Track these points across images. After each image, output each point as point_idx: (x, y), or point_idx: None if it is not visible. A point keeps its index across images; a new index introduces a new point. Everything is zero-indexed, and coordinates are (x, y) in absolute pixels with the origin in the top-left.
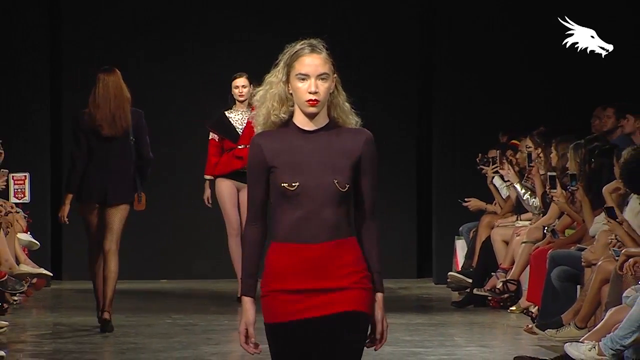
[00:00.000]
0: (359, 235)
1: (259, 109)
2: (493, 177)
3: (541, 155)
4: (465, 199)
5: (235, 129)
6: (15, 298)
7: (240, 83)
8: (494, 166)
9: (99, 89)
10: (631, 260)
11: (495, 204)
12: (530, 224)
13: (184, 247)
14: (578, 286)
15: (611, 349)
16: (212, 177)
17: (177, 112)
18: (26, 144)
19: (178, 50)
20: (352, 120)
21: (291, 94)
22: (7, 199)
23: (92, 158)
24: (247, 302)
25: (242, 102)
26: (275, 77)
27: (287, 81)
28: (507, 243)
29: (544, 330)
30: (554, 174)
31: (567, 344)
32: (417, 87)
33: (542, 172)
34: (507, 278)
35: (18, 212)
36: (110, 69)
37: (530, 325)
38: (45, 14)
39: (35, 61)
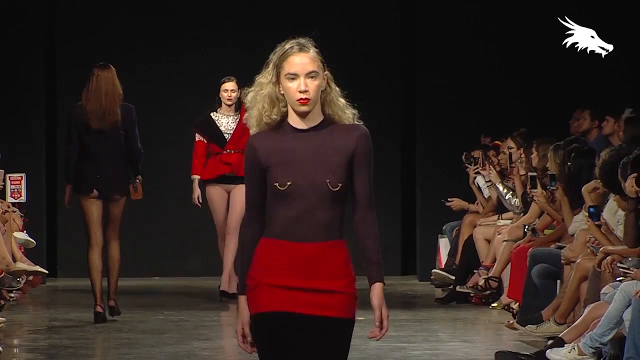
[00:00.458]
0: (357, 228)
1: (251, 111)
2: (475, 177)
3: (522, 156)
4: (448, 199)
5: (222, 132)
6: (12, 295)
7: (230, 87)
8: (475, 167)
9: (92, 84)
10: (609, 258)
11: (477, 203)
12: (511, 223)
13: (176, 245)
14: (558, 283)
15: (591, 347)
16: (199, 177)
17: (169, 112)
18: (22, 145)
19: (173, 53)
20: (349, 114)
21: (282, 94)
22: (4, 198)
23: (85, 151)
24: (243, 301)
25: (229, 106)
26: (265, 78)
27: (278, 82)
28: (488, 241)
29: (524, 326)
30: (535, 174)
31: (548, 350)
32: (401, 89)
33: (522, 172)
34: (489, 275)
35: (14, 212)
36: (105, 65)
37: (511, 321)
38: (42, 16)
39: (31, 63)
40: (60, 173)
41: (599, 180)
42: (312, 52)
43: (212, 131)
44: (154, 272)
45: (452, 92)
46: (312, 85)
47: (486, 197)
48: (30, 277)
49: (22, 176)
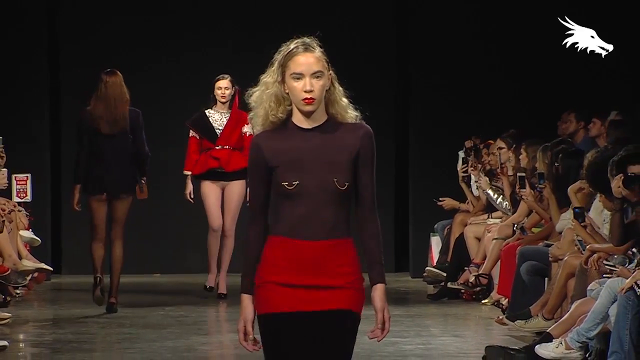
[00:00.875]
0: (361, 228)
1: (256, 110)
2: (463, 177)
3: (511, 156)
4: (440, 199)
5: (214, 128)
6: (18, 291)
7: (223, 85)
8: (464, 166)
9: (100, 91)
10: (595, 255)
11: (468, 203)
12: (501, 222)
13: (176, 243)
14: (546, 280)
15: (577, 341)
16: (191, 173)
17: (169, 112)
18: (26, 145)
19: (173, 53)
20: (351, 114)
21: (287, 93)
22: (10, 198)
23: (94, 154)
24: (246, 299)
25: (223, 103)
26: (270, 77)
27: (283, 81)
28: (479, 239)
29: (513, 321)
30: (524, 174)
31: (537, 346)
32: (395, 89)
33: (510, 173)
34: (479, 272)
35: (20, 211)
36: (112, 72)
37: (500, 317)
38: (44, 17)
39: (35, 64)
40: (65, 173)
41: (585, 181)
42: (318, 51)
43: (205, 127)
44: (154, 269)
45: (447, 92)
46: (317, 85)
47: (476, 196)
48: (36, 274)
49: (27, 176)
